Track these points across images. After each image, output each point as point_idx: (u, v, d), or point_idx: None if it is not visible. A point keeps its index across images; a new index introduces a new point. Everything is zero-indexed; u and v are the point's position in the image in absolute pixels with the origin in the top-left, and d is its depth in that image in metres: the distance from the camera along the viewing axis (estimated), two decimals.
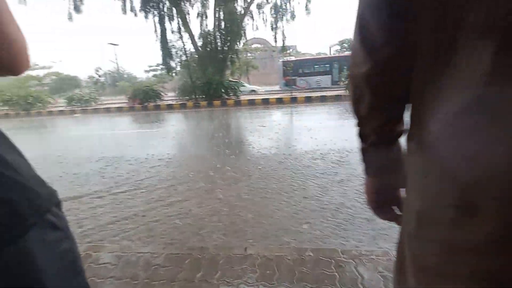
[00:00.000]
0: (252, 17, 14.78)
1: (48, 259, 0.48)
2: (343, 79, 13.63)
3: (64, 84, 28.53)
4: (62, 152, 4.88)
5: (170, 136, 6.09)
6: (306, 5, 13.98)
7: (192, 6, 14.08)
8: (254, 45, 28.62)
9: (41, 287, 0.47)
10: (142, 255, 1.60)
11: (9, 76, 0.46)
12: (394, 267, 0.42)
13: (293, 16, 14.23)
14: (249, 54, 27.32)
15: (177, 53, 14.51)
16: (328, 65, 20.78)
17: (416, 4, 0.30)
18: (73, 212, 2.42)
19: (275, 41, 14.99)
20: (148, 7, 13.29)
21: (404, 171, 0.41)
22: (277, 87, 21.48)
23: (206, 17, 14.35)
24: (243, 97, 14.26)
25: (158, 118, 9.95)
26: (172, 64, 14.73)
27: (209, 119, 8.81)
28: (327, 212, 2.19)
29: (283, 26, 14.42)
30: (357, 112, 0.46)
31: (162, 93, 15.17)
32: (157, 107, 13.47)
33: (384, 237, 1.80)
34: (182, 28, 13.72)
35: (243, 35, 14.10)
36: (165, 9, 13.53)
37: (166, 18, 13.66)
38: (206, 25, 14.36)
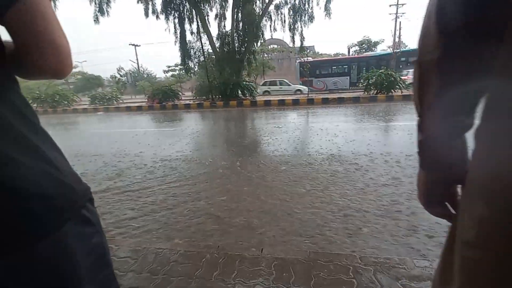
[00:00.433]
0: (270, 18, 14.80)
1: (81, 252, 0.51)
2: (361, 80, 13.29)
3: (88, 83, 29.81)
4: (89, 149, 5.10)
5: (189, 134, 6.20)
6: (326, 6, 13.81)
7: (211, 8, 14.32)
8: (271, 46, 28.61)
9: (75, 278, 0.50)
10: (161, 251, 1.65)
11: (53, 79, 0.49)
12: (436, 275, 0.40)
13: (311, 18, 14.08)
14: (265, 55, 27.33)
15: (195, 54, 14.81)
16: (346, 66, 20.42)
17: None
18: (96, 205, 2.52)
19: (293, 42, 14.93)
20: (169, 9, 13.65)
21: (463, 168, 0.39)
22: None
23: (225, 18, 14.53)
24: (259, 98, 14.30)
25: (177, 117, 10.18)
26: (191, 64, 15.04)
27: (226, 119, 8.90)
28: (344, 217, 2.15)
29: (301, 27, 14.33)
30: (420, 101, 0.43)
31: (180, 93, 15.51)
32: (175, 107, 13.77)
33: (404, 245, 1.75)
34: (201, 29, 13.97)
35: (260, 36, 14.14)
36: (185, 11, 13.84)
37: (186, 20, 13.97)
38: (224, 26, 14.56)
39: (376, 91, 12.27)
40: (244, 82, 14.60)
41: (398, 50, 18.83)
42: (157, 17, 14.15)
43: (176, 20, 13.91)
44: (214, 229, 2.06)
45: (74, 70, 30.73)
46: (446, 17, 0.33)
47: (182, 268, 1.49)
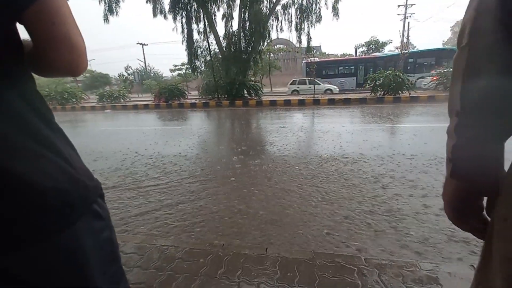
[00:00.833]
0: (277, 18, 14.77)
1: (92, 246, 0.52)
2: (368, 81, 13.17)
3: (96, 81, 30.14)
4: (97, 146, 5.18)
5: (195, 133, 6.24)
6: (334, 6, 13.72)
7: (218, 8, 14.35)
8: (277, 46, 28.55)
9: (86, 272, 0.51)
10: (166, 248, 1.66)
11: (68, 76, 0.50)
12: None
13: (319, 18, 14.00)
14: (271, 55, 27.28)
15: (202, 53, 14.87)
16: (353, 67, 20.27)
17: None
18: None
19: (300, 42, 14.85)
20: (177, 9, 13.73)
21: (496, 177, 0.35)
22: None
23: (232, 18, 14.55)
24: (264, 98, 14.29)
25: (183, 116, 10.24)
26: (197, 63, 15.10)
27: (231, 119, 8.92)
28: (350, 218, 2.14)
29: (308, 27, 14.27)
30: (462, 96, 0.37)
31: (186, 92, 15.58)
32: (181, 105, 13.86)
33: (411, 247, 1.73)
34: (208, 29, 14.02)
35: (267, 36, 14.11)
36: (193, 11, 13.90)
37: (193, 20, 14.04)
38: (231, 26, 14.58)
39: (383, 92, 12.16)
40: (250, 82, 14.60)
41: (406, 51, 18.57)
42: (165, 16, 14.25)
43: (184, 20, 13.98)
44: (219, 228, 2.07)
45: None
46: None
47: (187, 265, 1.50)
